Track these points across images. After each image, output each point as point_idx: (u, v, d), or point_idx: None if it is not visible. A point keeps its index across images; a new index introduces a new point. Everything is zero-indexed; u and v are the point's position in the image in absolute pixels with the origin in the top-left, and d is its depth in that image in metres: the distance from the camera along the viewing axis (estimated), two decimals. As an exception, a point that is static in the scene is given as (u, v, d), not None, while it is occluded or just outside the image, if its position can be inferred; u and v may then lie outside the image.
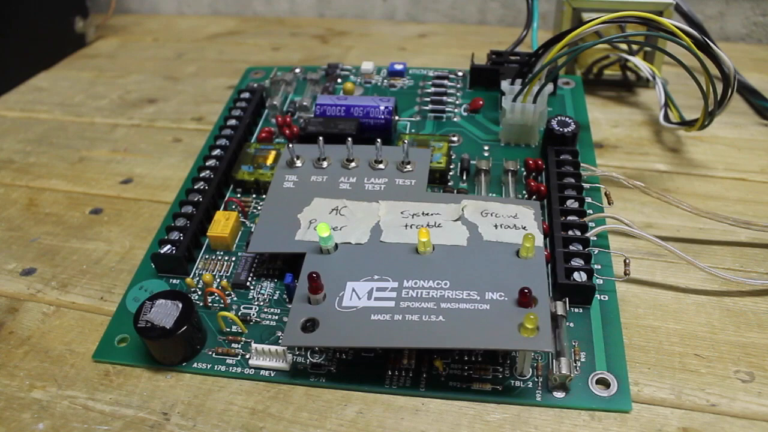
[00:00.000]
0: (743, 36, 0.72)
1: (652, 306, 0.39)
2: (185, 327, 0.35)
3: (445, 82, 0.55)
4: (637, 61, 0.55)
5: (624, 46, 0.57)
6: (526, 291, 0.33)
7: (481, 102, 0.52)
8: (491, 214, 0.39)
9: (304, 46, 0.73)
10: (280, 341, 0.35)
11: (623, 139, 0.53)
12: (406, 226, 0.39)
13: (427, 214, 0.39)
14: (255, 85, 0.55)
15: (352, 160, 0.43)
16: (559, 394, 0.34)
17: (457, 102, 0.54)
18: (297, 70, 0.57)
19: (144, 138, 0.58)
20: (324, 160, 0.44)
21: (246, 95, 0.53)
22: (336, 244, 0.38)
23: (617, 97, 0.59)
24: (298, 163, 0.44)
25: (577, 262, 0.38)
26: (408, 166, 0.43)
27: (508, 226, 0.38)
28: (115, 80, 0.68)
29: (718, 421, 0.33)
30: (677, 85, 0.58)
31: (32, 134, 0.59)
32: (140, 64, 0.71)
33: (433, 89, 0.54)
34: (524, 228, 0.38)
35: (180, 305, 0.36)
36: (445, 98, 0.53)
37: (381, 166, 0.43)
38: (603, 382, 0.34)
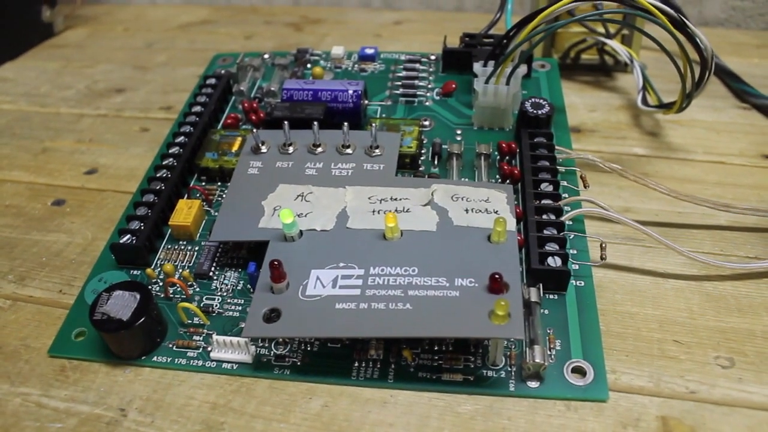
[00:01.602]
0: (722, 21, 0.71)
1: (630, 291, 0.38)
2: (143, 319, 0.34)
3: (417, 66, 0.54)
4: (614, 44, 0.54)
5: (601, 29, 0.55)
6: (496, 276, 0.32)
7: (453, 85, 0.50)
8: (462, 199, 0.37)
9: (278, 35, 0.71)
10: (242, 332, 0.34)
11: (601, 123, 0.52)
12: (373, 211, 0.37)
13: (396, 199, 0.38)
14: (222, 71, 0.53)
15: (318, 145, 0.42)
16: (533, 384, 0.32)
17: (429, 86, 0.52)
18: (266, 56, 0.56)
19: (110, 128, 0.56)
20: (290, 145, 0.42)
21: (212, 81, 0.51)
22: (300, 231, 0.37)
23: (594, 82, 0.58)
24: (264, 149, 0.42)
25: (551, 246, 0.36)
26: (377, 151, 0.41)
27: (480, 211, 0.36)
28: (83, 70, 0.66)
29: (697, 408, 0.32)
30: (655, 70, 0.57)
31: (-6, 125, 0.57)
32: (109, 54, 0.69)
33: (404, 73, 0.53)
34: (496, 212, 0.36)
35: (138, 296, 0.34)
36: (416, 82, 0.52)
37: (348, 150, 0.42)
38: (579, 371, 0.33)
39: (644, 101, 0.50)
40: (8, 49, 0.69)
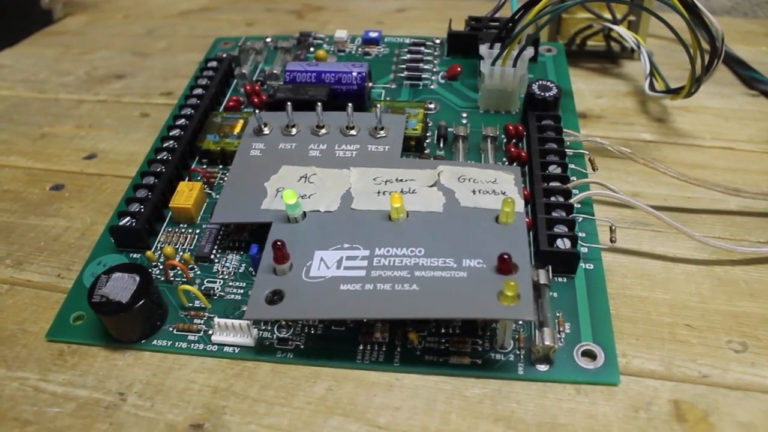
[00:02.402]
0: (728, 9, 0.71)
1: (640, 276, 0.37)
2: (143, 301, 0.33)
3: (422, 49, 0.53)
4: (621, 30, 0.53)
5: (608, 15, 0.55)
6: (505, 257, 0.31)
7: (459, 69, 0.50)
8: (469, 180, 0.36)
9: (279, 22, 0.71)
10: (244, 315, 0.33)
11: (607, 109, 0.51)
12: (378, 192, 0.36)
13: (401, 181, 0.37)
14: (224, 55, 0.52)
15: (322, 127, 0.41)
16: (542, 367, 0.32)
17: (434, 69, 0.51)
18: (268, 40, 0.55)
19: (110, 113, 0.55)
20: (293, 127, 0.41)
21: (213, 64, 0.50)
22: (304, 213, 0.36)
23: (601, 69, 0.57)
24: (266, 131, 0.41)
25: (560, 228, 0.35)
26: (381, 132, 0.40)
27: (487, 192, 0.36)
28: (82, 56, 0.65)
29: (710, 392, 0.31)
30: (662, 57, 0.57)
31: (-8, 111, 0.56)
32: (109, 40, 0.69)
33: (409, 56, 0.52)
34: (504, 193, 0.35)
35: (137, 278, 0.34)
36: (421, 65, 0.51)
37: (353, 132, 0.41)
38: (589, 354, 0.32)
39: (651, 87, 0.49)
40: (6, 36, 0.68)
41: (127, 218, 0.38)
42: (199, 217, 0.40)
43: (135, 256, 0.38)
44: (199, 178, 0.42)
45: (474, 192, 0.36)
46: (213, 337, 0.34)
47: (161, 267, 0.38)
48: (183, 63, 0.62)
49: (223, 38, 0.58)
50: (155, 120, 0.53)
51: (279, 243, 0.32)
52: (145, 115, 0.54)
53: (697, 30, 0.40)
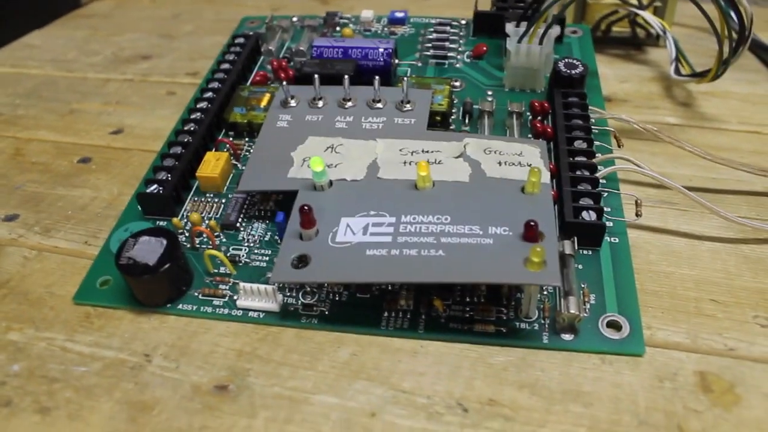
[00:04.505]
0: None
1: (665, 252, 0.37)
2: (169, 264, 0.33)
3: (447, 29, 0.53)
4: (647, 15, 0.53)
5: (634, 0, 0.54)
6: (532, 224, 0.31)
7: (484, 48, 0.50)
8: (495, 152, 0.36)
9: (305, 6, 0.71)
10: (269, 279, 0.33)
11: (632, 93, 0.51)
12: (404, 163, 0.36)
13: (427, 152, 0.37)
14: (251, 33, 0.52)
15: (349, 100, 0.41)
16: (567, 337, 0.32)
17: (460, 49, 0.51)
18: (294, 19, 0.55)
19: (137, 92, 0.56)
20: (320, 99, 0.42)
21: (240, 41, 0.51)
22: (330, 181, 0.36)
23: (626, 55, 0.57)
24: (293, 103, 0.42)
25: (585, 201, 0.35)
26: (408, 105, 0.41)
27: (513, 164, 0.36)
28: (110, 38, 0.66)
29: (736, 365, 0.31)
30: (687, 45, 0.56)
31: (21, 89, 0.57)
32: (136, 24, 0.69)
33: (435, 35, 0.52)
34: (529, 165, 0.35)
35: (164, 242, 0.34)
36: (447, 44, 0.51)
37: (379, 105, 0.41)
38: (614, 325, 0.32)
39: (677, 71, 0.49)
40: (35, 18, 0.69)
41: (155, 186, 0.39)
42: (225, 188, 0.40)
43: (161, 223, 0.39)
44: (226, 149, 0.43)
45: (500, 164, 0.36)
46: (238, 302, 0.34)
47: (187, 234, 0.38)
48: (209, 45, 0.63)
49: (250, 17, 0.59)
50: (181, 98, 0.54)
51: (306, 207, 0.32)
52: (172, 93, 0.55)
53: (725, 10, 0.39)
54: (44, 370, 0.32)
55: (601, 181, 0.37)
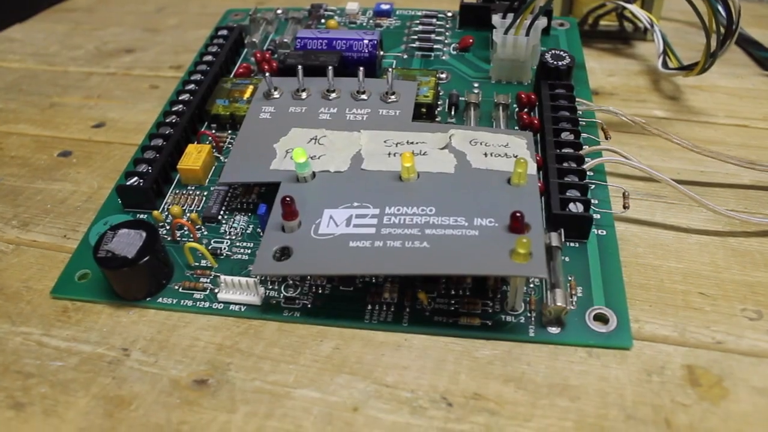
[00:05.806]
0: (744, -5, 0.70)
1: (653, 245, 0.36)
2: (148, 257, 0.32)
3: (434, 21, 0.53)
4: (634, 9, 0.52)
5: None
6: (518, 215, 0.30)
7: (471, 40, 0.49)
8: (481, 143, 0.36)
9: (291, 1, 0.70)
10: (250, 271, 0.33)
11: (619, 87, 0.51)
12: (389, 154, 0.36)
13: (412, 143, 0.36)
14: (234, 25, 0.52)
15: (333, 91, 0.41)
16: (553, 330, 0.31)
17: (446, 41, 0.51)
18: (279, 11, 0.54)
19: (119, 85, 0.55)
20: (303, 91, 0.41)
21: (224, 32, 0.50)
22: (313, 173, 0.35)
23: (613, 49, 0.56)
24: (276, 95, 0.41)
25: (572, 193, 0.35)
26: (392, 97, 0.40)
27: (499, 155, 0.35)
28: (92, 32, 0.65)
29: (724, 358, 0.30)
30: (675, 39, 0.56)
31: (1, 82, 0.56)
32: (119, 17, 0.68)
33: (420, 27, 0.52)
34: (515, 157, 0.35)
35: (144, 234, 0.33)
36: (433, 36, 0.50)
37: (364, 96, 0.40)
38: (601, 318, 0.32)
39: (665, 64, 0.48)
40: (17, 11, 0.68)
41: (135, 178, 0.38)
42: (207, 180, 0.40)
43: (142, 216, 0.38)
44: (208, 141, 0.42)
45: (486, 155, 0.35)
46: (219, 296, 0.33)
47: (168, 227, 0.37)
48: (193, 39, 0.62)
49: (234, 9, 0.58)
50: (164, 92, 0.53)
51: (288, 199, 0.32)
52: (154, 87, 0.54)
53: (714, 4, 0.39)
54: (19, 365, 0.31)
55: (588, 173, 0.37)
